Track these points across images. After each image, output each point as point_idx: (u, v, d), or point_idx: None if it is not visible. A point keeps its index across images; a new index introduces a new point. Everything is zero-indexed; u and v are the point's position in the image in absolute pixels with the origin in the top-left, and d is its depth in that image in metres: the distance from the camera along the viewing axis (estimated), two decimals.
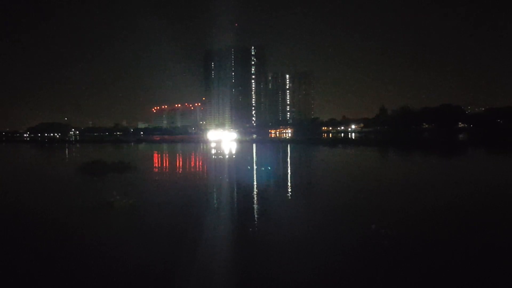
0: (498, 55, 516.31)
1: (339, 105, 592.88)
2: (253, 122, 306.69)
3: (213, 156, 62.34)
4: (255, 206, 19.81)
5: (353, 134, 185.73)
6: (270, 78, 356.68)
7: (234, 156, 61.73)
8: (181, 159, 59.50)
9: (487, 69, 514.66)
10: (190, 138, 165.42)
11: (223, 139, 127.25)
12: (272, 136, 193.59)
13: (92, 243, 13.55)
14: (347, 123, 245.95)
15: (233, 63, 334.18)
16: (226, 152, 71.77)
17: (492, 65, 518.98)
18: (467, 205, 19.03)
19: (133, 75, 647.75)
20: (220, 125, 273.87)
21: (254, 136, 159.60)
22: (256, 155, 63.58)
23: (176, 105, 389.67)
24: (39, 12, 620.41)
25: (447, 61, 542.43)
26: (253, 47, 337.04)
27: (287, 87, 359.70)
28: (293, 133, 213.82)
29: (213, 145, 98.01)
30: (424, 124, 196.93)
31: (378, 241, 12.87)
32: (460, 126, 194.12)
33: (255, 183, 28.77)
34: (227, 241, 13.52)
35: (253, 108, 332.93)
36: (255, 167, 41.60)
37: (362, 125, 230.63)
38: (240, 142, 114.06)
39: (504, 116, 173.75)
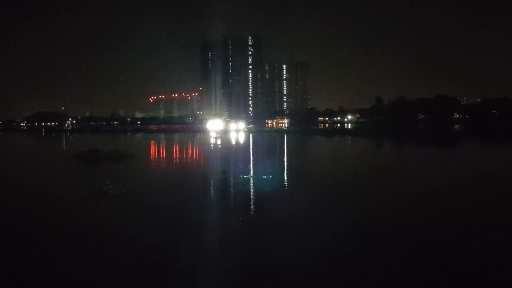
0: (494, 47, 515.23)
1: (335, 96, 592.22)
2: (250, 112, 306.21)
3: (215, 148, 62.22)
4: (252, 195, 20.50)
5: (349, 125, 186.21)
6: (267, 68, 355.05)
7: (236, 146, 62.11)
8: (178, 149, 59.91)
9: (482, 60, 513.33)
10: (189, 127, 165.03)
11: (227, 129, 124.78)
12: (269, 126, 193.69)
13: (80, 230, 14.06)
14: (343, 113, 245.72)
15: (230, 53, 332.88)
16: (229, 142, 71.73)
17: (488, 57, 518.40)
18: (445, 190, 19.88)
19: (131, 65, 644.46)
20: (217, 115, 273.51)
21: (251, 126, 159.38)
22: (260, 146, 64.02)
23: (173, 95, 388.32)
24: (37, 3, 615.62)
25: (443, 52, 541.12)
26: (250, 37, 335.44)
27: (284, 77, 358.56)
28: (289, 123, 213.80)
29: (214, 135, 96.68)
30: (420, 114, 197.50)
31: None
32: (455, 116, 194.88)
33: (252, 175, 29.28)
34: (212, 235, 13.81)
35: (250, 98, 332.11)
36: (252, 160, 42.27)
37: (358, 115, 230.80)
38: (239, 132, 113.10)
39: (499, 107, 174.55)
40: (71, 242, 12.78)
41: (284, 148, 60.08)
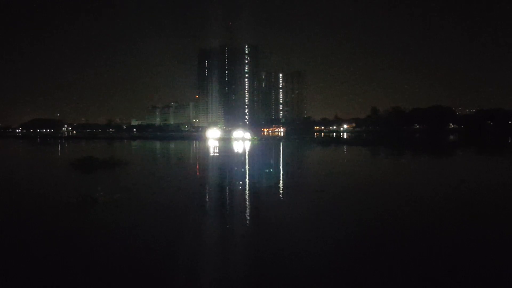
0: (489, 58, 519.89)
1: (331, 105, 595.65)
2: (246, 120, 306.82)
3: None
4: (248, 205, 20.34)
5: (345, 134, 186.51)
6: (263, 77, 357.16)
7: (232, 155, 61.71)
8: (174, 157, 59.59)
9: (478, 71, 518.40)
10: (186, 135, 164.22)
11: (227, 138, 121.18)
12: (265, 134, 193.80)
13: (66, 237, 13.89)
14: (339, 122, 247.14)
15: (227, 61, 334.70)
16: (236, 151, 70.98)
17: (483, 67, 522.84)
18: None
19: (127, 72, 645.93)
20: (213, 123, 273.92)
21: (248, 134, 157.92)
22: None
23: (170, 103, 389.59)
24: (32, 10, 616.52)
25: (438, 63, 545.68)
26: (247, 46, 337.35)
27: (280, 86, 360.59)
28: (285, 132, 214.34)
29: (214, 143, 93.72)
30: (415, 124, 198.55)
31: None
32: (450, 127, 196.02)
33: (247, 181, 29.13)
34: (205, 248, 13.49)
35: (246, 106, 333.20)
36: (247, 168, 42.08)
37: (354, 124, 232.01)
38: (244, 141, 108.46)
39: (494, 117, 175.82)
40: (52, 249, 12.58)
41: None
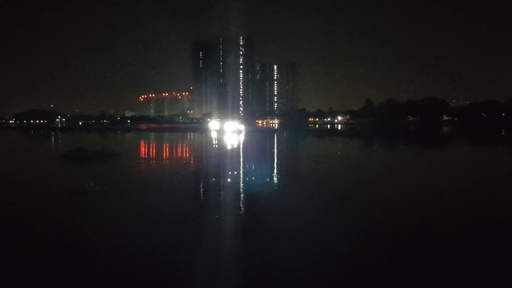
0: (484, 50, 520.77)
1: (326, 97, 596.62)
2: (240, 112, 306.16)
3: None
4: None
5: (339, 126, 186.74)
6: (258, 68, 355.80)
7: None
8: (169, 149, 59.36)
9: (472, 63, 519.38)
10: (182, 127, 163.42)
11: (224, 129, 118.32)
12: (259, 126, 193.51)
13: (54, 228, 13.81)
14: (333, 114, 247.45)
15: (221, 53, 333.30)
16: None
17: (477, 60, 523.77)
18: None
19: (121, 63, 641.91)
20: (208, 114, 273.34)
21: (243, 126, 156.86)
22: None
23: (164, 94, 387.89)
24: (26, 1, 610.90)
25: (433, 55, 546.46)
26: (241, 38, 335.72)
27: (275, 78, 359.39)
28: (279, 124, 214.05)
29: (215, 135, 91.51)
30: (410, 116, 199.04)
31: None
32: (445, 119, 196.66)
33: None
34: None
35: (240, 98, 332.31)
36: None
37: (348, 117, 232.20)
38: (239, 134, 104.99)
39: (488, 110, 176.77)
40: (38, 241, 12.41)
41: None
